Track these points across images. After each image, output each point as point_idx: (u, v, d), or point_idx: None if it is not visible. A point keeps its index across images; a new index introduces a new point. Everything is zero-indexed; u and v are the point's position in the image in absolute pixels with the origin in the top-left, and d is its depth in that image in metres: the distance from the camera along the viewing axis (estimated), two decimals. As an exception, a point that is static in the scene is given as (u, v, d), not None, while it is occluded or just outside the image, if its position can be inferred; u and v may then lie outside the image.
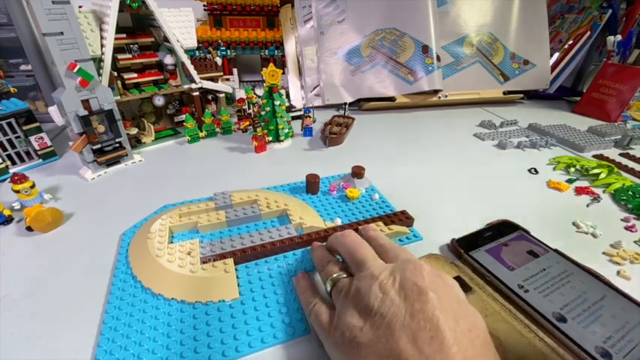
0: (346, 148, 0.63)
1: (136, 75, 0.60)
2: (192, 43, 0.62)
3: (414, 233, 0.39)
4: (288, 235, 0.37)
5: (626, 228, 0.40)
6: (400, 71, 0.81)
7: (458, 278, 0.31)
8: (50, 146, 0.57)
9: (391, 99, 0.82)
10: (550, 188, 0.49)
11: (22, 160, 0.55)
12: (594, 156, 0.60)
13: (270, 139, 0.62)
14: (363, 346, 0.21)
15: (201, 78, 0.64)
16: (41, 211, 0.39)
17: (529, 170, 0.54)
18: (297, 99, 0.81)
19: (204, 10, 0.78)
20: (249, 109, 0.73)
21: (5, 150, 0.52)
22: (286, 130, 0.63)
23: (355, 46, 0.80)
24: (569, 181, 0.51)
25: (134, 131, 0.59)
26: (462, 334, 0.19)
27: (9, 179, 0.41)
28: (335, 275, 0.27)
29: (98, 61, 0.53)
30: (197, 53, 0.76)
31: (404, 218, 0.40)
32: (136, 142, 0.61)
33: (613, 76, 0.78)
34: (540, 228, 0.39)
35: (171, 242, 0.37)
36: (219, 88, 0.69)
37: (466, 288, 0.30)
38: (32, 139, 0.54)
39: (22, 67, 0.71)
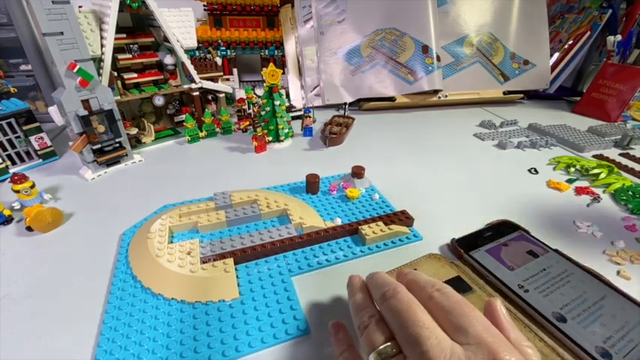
0: (346, 148, 0.63)
1: (136, 75, 0.60)
2: (192, 43, 0.62)
3: (414, 233, 0.39)
4: (288, 234, 0.37)
5: (626, 228, 0.40)
6: (400, 71, 0.81)
7: (458, 278, 0.31)
8: (50, 146, 0.57)
9: (391, 99, 0.82)
10: (550, 188, 0.49)
11: (22, 160, 0.55)
12: (594, 156, 0.60)
13: (270, 139, 0.62)
14: None
15: (201, 78, 0.64)
16: (41, 211, 0.39)
17: (529, 170, 0.54)
18: (297, 99, 0.81)
19: (204, 10, 0.78)
20: (249, 109, 0.73)
21: (5, 150, 0.52)
22: (286, 130, 0.63)
23: (355, 46, 0.80)
24: (569, 181, 0.51)
25: (134, 131, 0.59)
26: None
27: (9, 179, 0.41)
28: (381, 348, 0.19)
29: (98, 61, 0.53)
30: (197, 53, 0.76)
31: (404, 218, 0.40)
32: (136, 142, 0.61)
33: (613, 76, 0.78)
34: (540, 228, 0.39)
35: (171, 242, 0.37)
36: (219, 88, 0.69)
37: (466, 288, 0.30)
38: (32, 139, 0.54)
39: (22, 67, 0.71)
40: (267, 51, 0.84)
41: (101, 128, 0.50)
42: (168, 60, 0.60)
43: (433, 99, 0.84)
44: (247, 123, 0.69)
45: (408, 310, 0.19)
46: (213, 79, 0.68)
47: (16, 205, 0.41)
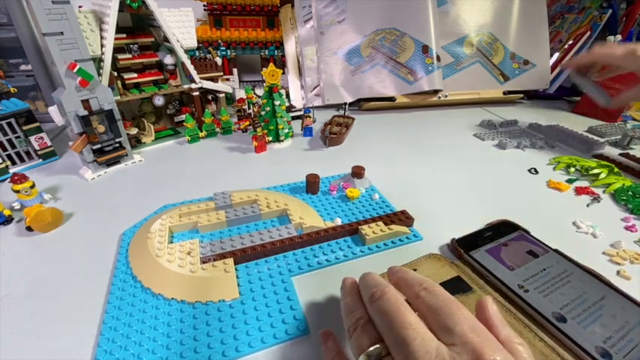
0: (346, 148, 0.63)
1: (136, 75, 0.60)
2: (192, 43, 0.62)
3: (414, 233, 0.39)
4: (288, 234, 0.37)
5: (626, 228, 0.40)
6: (400, 71, 0.81)
7: (458, 278, 0.31)
8: (50, 146, 0.56)
9: (391, 99, 0.82)
10: (550, 188, 0.49)
11: (22, 160, 0.55)
12: (594, 156, 0.60)
13: (270, 139, 0.62)
14: None
15: (201, 78, 0.64)
16: (41, 211, 0.39)
17: (529, 170, 0.55)
18: (297, 99, 0.81)
19: (204, 10, 0.78)
20: (249, 109, 0.73)
21: (5, 150, 0.52)
22: (286, 130, 0.63)
23: (355, 46, 0.80)
24: (569, 181, 0.51)
25: (134, 131, 0.59)
26: None
27: (9, 179, 0.41)
28: (370, 350, 0.19)
29: (98, 61, 0.53)
30: (197, 53, 0.76)
31: (404, 218, 0.40)
32: (136, 142, 0.61)
33: (613, 76, 0.78)
34: (540, 228, 0.39)
35: (171, 242, 0.37)
36: (219, 88, 0.69)
37: (466, 288, 0.30)
38: (32, 139, 0.54)
39: (22, 67, 0.71)
40: (267, 51, 0.84)
41: (101, 128, 0.50)
42: (168, 60, 0.60)
43: (433, 99, 0.84)
44: (247, 123, 0.69)
45: (396, 311, 0.19)
46: (213, 79, 0.68)
47: (16, 205, 0.41)
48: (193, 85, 0.64)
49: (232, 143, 0.64)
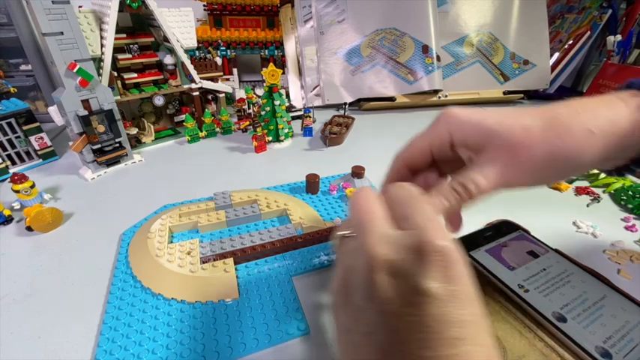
0: (346, 148, 0.63)
1: (135, 75, 0.60)
2: (192, 43, 0.62)
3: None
4: (288, 234, 0.37)
5: (626, 228, 0.40)
6: (400, 71, 0.81)
7: (458, 278, 0.31)
8: (50, 146, 0.57)
9: (391, 99, 0.82)
10: (550, 188, 0.49)
11: (22, 160, 0.55)
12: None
13: (270, 139, 0.62)
14: (342, 332, 0.17)
15: (201, 78, 0.64)
16: (41, 211, 0.39)
17: (529, 170, 0.54)
18: (297, 99, 0.81)
19: (204, 10, 0.79)
20: (249, 109, 0.73)
21: (5, 150, 0.52)
22: (286, 130, 0.63)
23: (355, 46, 0.80)
24: (569, 181, 0.51)
25: (134, 131, 0.59)
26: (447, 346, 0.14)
27: (9, 179, 0.41)
28: (341, 233, 0.20)
29: (98, 61, 0.53)
30: (197, 53, 0.76)
31: (404, 218, 0.40)
32: (136, 142, 0.61)
33: (613, 76, 0.78)
34: (540, 228, 0.39)
35: (171, 242, 0.37)
36: (219, 88, 0.69)
37: (466, 288, 0.30)
38: (32, 139, 0.54)
39: (22, 67, 0.71)
40: (267, 51, 0.84)
41: (101, 128, 0.50)
42: (168, 60, 0.60)
43: (433, 99, 0.84)
44: (247, 123, 0.69)
45: (365, 201, 0.19)
46: (213, 79, 0.69)
47: (16, 205, 0.41)
48: (193, 85, 0.64)
49: (232, 143, 0.64)
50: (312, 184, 0.46)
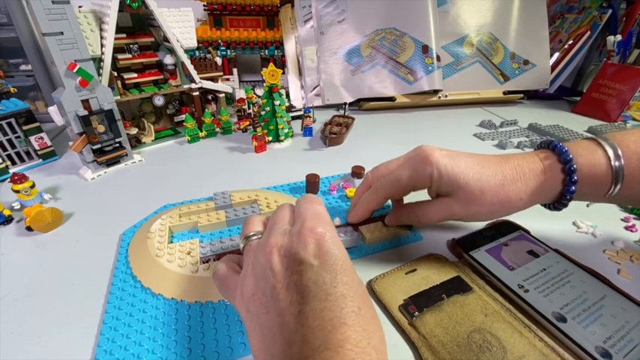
0: (346, 148, 0.63)
1: (135, 75, 0.60)
2: (192, 43, 0.62)
3: (413, 233, 0.39)
4: (288, 235, 0.37)
5: (627, 228, 0.40)
6: (400, 71, 0.81)
7: (458, 278, 0.31)
8: (50, 146, 0.56)
9: (391, 99, 0.82)
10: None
11: (22, 160, 0.55)
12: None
13: (270, 139, 0.62)
14: (252, 319, 0.20)
15: (201, 78, 0.64)
16: (41, 211, 0.39)
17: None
18: (297, 99, 0.81)
19: (204, 10, 0.78)
20: (249, 109, 0.73)
21: (5, 150, 0.52)
22: (286, 130, 0.63)
23: (355, 46, 0.80)
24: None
25: (134, 131, 0.59)
26: (329, 307, 0.18)
27: (9, 179, 0.41)
28: (251, 233, 0.25)
29: (98, 61, 0.53)
30: (197, 53, 0.76)
31: (404, 218, 0.39)
32: (136, 142, 0.61)
33: (613, 76, 0.78)
34: (540, 228, 0.39)
35: (171, 242, 0.37)
36: (219, 88, 0.69)
37: (466, 288, 0.30)
38: (32, 139, 0.54)
39: (22, 67, 0.71)
40: (267, 51, 0.84)
41: (101, 128, 0.50)
42: (168, 60, 0.60)
43: (433, 99, 0.84)
44: (247, 123, 0.69)
45: (279, 209, 0.25)
46: (213, 79, 0.68)
47: (16, 205, 0.41)
48: (193, 85, 0.64)
49: (232, 143, 0.64)
50: (312, 184, 0.46)
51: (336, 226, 0.38)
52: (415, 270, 0.32)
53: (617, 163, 0.28)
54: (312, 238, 0.20)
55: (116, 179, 0.51)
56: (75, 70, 0.44)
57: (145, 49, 0.60)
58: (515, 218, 0.39)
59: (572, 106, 0.87)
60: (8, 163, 0.52)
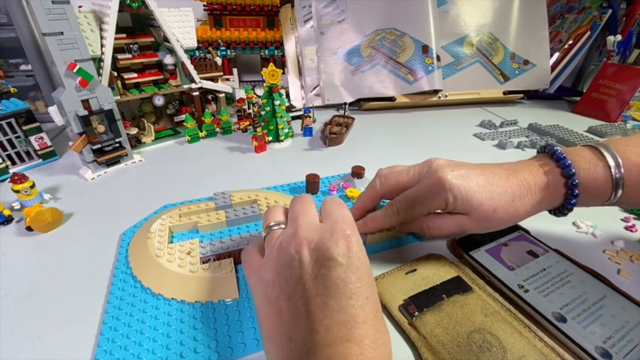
0: (346, 148, 0.63)
1: (135, 75, 0.60)
2: (192, 43, 0.62)
3: (413, 234, 0.39)
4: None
5: (626, 228, 0.40)
6: (400, 71, 0.81)
7: (458, 278, 0.31)
8: (50, 146, 0.57)
9: (391, 99, 0.82)
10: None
11: (22, 160, 0.55)
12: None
13: (270, 139, 0.62)
14: (270, 299, 0.21)
15: (201, 78, 0.64)
16: (41, 211, 0.39)
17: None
18: (297, 99, 0.81)
19: (204, 10, 0.78)
20: (249, 109, 0.73)
21: (5, 150, 0.52)
22: (286, 130, 0.63)
23: (355, 46, 0.80)
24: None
25: (134, 131, 0.59)
26: (351, 306, 0.20)
27: (9, 179, 0.41)
28: (273, 223, 0.26)
29: (98, 61, 0.53)
30: (197, 53, 0.76)
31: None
32: (136, 142, 0.61)
33: (613, 76, 0.78)
34: (540, 228, 0.39)
35: (171, 242, 0.37)
36: (219, 88, 0.69)
37: (466, 288, 0.30)
38: (32, 139, 0.54)
39: (22, 67, 0.71)
40: (267, 51, 0.84)
41: (101, 128, 0.50)
42: (168, 60, 0.60)
43: (433, 99, 0.84)
44: (247, 123, 0.69)
45: (301, 201, 0.26)
46: (213, 79, 0.69)
47: (16, 205, 0.41)
48: (193, 85, 0.64)
49: (232, 143, 0.64)
50: (312, 184, 0.46)
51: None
52: (415, 270, 0.32)
53: (617, 174, 0.29)
54: (343, 238, 0.22)
55: (116, 179, 0.51)
56: (75, 70, 0.44)
57: (145, 49, 0.60)
58: (515, 218, 0.39)
59: (572, 106, 0.87)
60: (8, 163, 0.52)
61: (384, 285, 0.31)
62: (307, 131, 0.67)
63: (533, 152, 0.61)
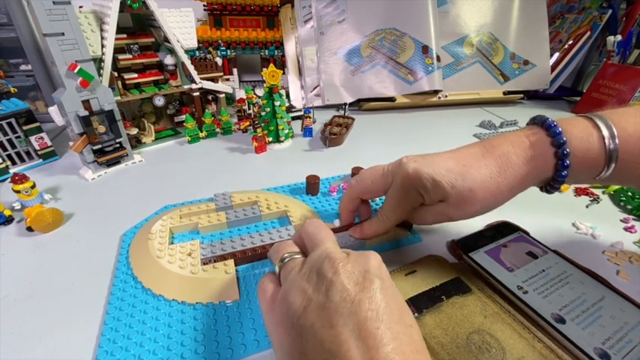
0: (346, 148, 0.63)
1: (136, 75, 0.60)
2: (193, 43, 0.62)
3: (413, 234, 0.39)
4: (289, 236, 0.37)
5: (626, 229, 0.40)
6: (400, 71, 0.81)
7: (457, 279, 0.31)
8: (50, 146, 0.57)
9: (391, 99, 0.82)
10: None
11: (23, 160, 0.55)
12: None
13: (270, 139, 0.62)
14: (305, 329, 0.19)
15: (201, 78, 0.64)
16: (41, 212, 0.39)
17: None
18: (297, 99, 0.81)
19: (204, 10, 0.78)
20: (249, 109, 0.73)
21: (5, 150, 0.52)
22: (286, 131, 0.63)
23: (355, 46, 0.80)
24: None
25: (134, 131, 0.59)
26: (405, 327, 0.19)
27: (9, 179, 0.41)
28: (287, 255, 0.25)
29: (98, 61, 0.53)
30: (197, 53, 0.76)
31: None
32: (136, 142, 0.61)
33: (613, 76, 0.79)
34: (540, 229, 0.39)
35: (172, 243, 0.37)
36: (219, 89, 0.69)
37: (465, 289, 0.30)
38: (32, 139, 0.54)
39: (22, 67, 0.71)
40: (267, 51, 0.84)
41: (101, 128, 0.50)
42: (169, 60, 0.60)
43: (433, 99, 0.84)
44: (247, 123, 0.69)
45: (321, 226, 0.26)
46: (214, 80, 0.69)
47: (17, 206, 0.41)
48: (193, 86, 0.64)
49: (232, 144, 0.64)
50: (312, 186, 0.46)
51: (336, 229, 0.38)
52: (415, 271, 0.32)
53: (612, 146, 0.27)
54: (373, 257, 0.22)
55: (116, 179, 0.51)
56: (76, 70, 0.44)
57: (145, 49, 0.60)
58: (514, 219, 0.40)
59: (572, 106, 0.87)
60: (8, 163, 0.52)
61: (383, 286, 0.31)
62: (307, 132, 0.67)
63: (532, 153, 0.61)
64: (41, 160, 0.56)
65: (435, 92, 0.84)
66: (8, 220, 0.41)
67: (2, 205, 0.41)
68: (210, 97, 0.71)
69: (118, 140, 0.52)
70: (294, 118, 0.71)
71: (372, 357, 0.17)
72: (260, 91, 0.82)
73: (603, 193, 0.48)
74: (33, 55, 0.69)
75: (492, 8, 0.86)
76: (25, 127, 0.53)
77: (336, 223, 0.40)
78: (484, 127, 0.74)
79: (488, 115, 0.83)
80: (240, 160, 0.58)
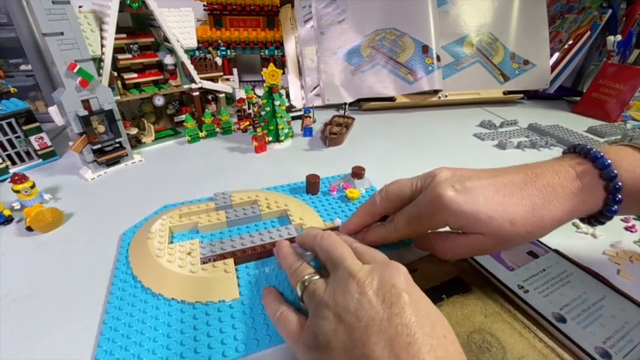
0: (346, 148, 0.63)
1: (136, 75, 0.60)
2: (192, 43, 0.62)
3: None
4: (289, 235, 0.37)
5: (626, 228, 0.40)
6: (400, 71, 0.81)
7: (457, 278, 0.31)
8: (50, 146, 0.57)
9: (391, 99, 0.82)
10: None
11: (22, 160, 0.55)
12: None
13: (270, 139, 0.62)
14: (337, 351, 0.19)
15: (201, 78, 0.64)
16: (41, 211, 0.39)
17: (529, 170, 0.54)
18: (297, 99, 0.81)
19: (204, 10, 0.78)
20: (249, 109, 0.73)
21: (5, 150, 0.52)
22: (286, 131, 0.63)
23: (355, 46, 0.80)
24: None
25: (134, 131, 0.59)
26: (439, 340, 0.19)
27: (9, 179, 0.41)
28: (307, 277, 0.25)
29: (98, 61, 0.53)
30: (197, 53, 0.76)
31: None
32: (136, 142, 0.61)
33: (613, 76, 0.79)
34: (540, 228, 0.39)
35: (172, 242, 0.37)
36: (219, 88, 0.69)
37: (466, 288, 0.30)
38: (32, 139, 0.54)
39: (22, 67, 0.71)
40: (267, 51, 0.84)
41: (101, 128, 0.50)
42: (169, 60, 0.60)
43: (433, 99, 0.84)
44: (247, 123, 0.69)
45: (337, 243, 0.26)
46: (213, 79, 0.69)
47: (16, 205, 0.41)
48: (193, 85, 0.64)
49: (232, 143, 0.64)
50: (312, 185, 0.46)
51: (336, 228, 0.38)
52: (415, 270, 0.32)
53: None
54: (398, 270, 0.22)
55: (116, 179, 0.51)
56: (75, 70, 0.44)
57: (145, 49, 0.60)
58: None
59: (572, 106, 0.87)
60: (8, 163, 0.52)
61: (384, 285, 0.31)
62: (307, 131, 0.67)
63: (533, 152, 0.61)
64: (41, 160, 0.56)
65: (435, 92, 0.84)
66: (8, 220, 0.41)
67: (2, 205, 0.41)
68: (210, 97, 0.71)
69: (117, 140, 0.52)
70: (294, 118, 0.71)
71: None
72: (260, 91, 0.82)
73: (604, 192, 0.48)
74: (33, 55, 0.69)
75: (492, 8, 0.86)
76: (25, 127, 0.53)
77: (337, 221, 0.40)
78: (484, 126, 0.74)
79: (488, 114, 0.83)
80: (240, 160, 0.58)
